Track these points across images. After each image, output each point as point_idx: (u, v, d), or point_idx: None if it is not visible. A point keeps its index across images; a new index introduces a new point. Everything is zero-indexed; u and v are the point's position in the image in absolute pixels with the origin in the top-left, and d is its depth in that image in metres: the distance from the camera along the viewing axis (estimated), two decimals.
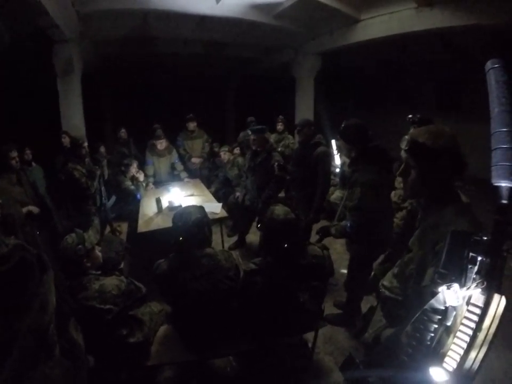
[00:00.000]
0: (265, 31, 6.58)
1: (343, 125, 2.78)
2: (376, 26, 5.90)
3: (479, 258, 0.90)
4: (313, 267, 2.15)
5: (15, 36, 5.25)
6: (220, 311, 2.17)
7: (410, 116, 3.72)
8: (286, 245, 2.07)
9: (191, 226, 2.10)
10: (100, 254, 2.29)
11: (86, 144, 4.26)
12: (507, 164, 0.85)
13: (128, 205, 4.85)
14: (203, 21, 5.87)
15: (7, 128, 6.38)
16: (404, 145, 1.33)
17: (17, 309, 0.95)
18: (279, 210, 2.10)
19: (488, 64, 0.95)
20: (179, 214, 2.19)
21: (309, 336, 2.59)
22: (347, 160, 5.19)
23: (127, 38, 6.35)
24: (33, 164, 4.91)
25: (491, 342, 0.90)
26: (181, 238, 2.12)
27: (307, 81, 8.09)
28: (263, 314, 2.15)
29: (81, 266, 2.09)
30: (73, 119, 5.75)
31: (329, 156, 4.21)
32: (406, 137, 1.33)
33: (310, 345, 2.62)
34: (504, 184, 0.84)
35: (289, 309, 2.14)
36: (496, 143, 0.88)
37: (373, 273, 3.23)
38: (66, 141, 5.20)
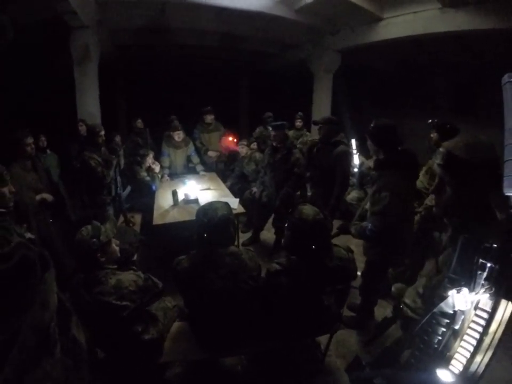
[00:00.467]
0: (286, 26, 6.52)
1: (372, 125, 2.69)
2: (399, 25, 5.80)
3: (489, 264, 0.92)
4: (339, 270, 2.09)
5: (32, 22, 5.22)
6: (240, 311, 2.10)
7: (430, 120, 3.65)
8: (313, 246, 2.00)
9: (217, 223, 2.03)
10: (117, 248, 2.19)
11: (103, 132, 4.20)
12: None
13: (143, 196, 4.79)
14: (222, 13, 5.79)
15: (23, 114, 6.35)
16: (438, 159, 1.24)
17: (18, 307, 0.93)
18: (308, 210, 2.03)
19: (505, 78, 0.95)
20: (204, 209, 2.12)
21: (321, 337, 2.53)
22: (365, 161, 5.18)
23: (144, 27, 6.31)
24: (48, 151, 4.88)
25: (496, 346, 0.92)
26: (205, 235, 2.05)
27: (325, 78, 7.99)
28: (286, 316, 2.09)
29: (95, 260, 2.00)
30: (89, 107, 5.73)
31: (350, 156, 4.15)
32: (441, 149, 1.23)
33: (322, 347, 2.56)
34: None
35: (313, 312, 2.07)
36: (509, 155, 0.90)
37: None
38: (83, 129, 5.17)
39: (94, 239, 1.98)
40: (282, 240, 2.27)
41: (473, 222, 1.21)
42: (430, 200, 3.17)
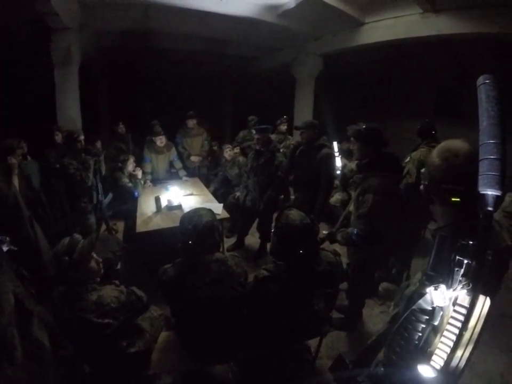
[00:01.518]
0: (268, 30, 6.51)
1: (364, 127, 2.74)
2: (380, 30, 5.86)
3: (465, 261, 0.94)
4: (328, 274, 2.08)
5: (12, 22, 5.10)
6: (228, 318, 2.08)
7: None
8: (301, 251, 1.99)
9: (202, 230, 2.01)
10: (96, 266, 2.00)
11: (81, 137, 4.13)
12: (492, 173, 0.89)
13: (125, 203, 4.71)
14: (206, 17, 5.75)
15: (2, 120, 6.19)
16: (425, 179, 1.29)
17: None
18: (295, 215, 2.01)
19: (480, 80, 1.00)
20: (189, 216, 2.09)
21: (311, 340, 2.53)
22: (348, 163, 5.22)
23: (127, 30, 6.23)
24: (28, 157, 4.75)
25: (476, 341, 0.95)
26: (190, 242, 2.02)
27: (307, 82, 8.01)
28: (275, 321, 2.06)
29: (68, 277, 1.87)
30: (69, 111, 5.59)
31: (333, 159, 4.17)
32: (423, 170, 1.30)
33: (312, 349, 2.55)
34: (490, 192, 0.89)
35: (302, 317, 2.06)
36: (483, 154, 0.93)
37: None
38: (58, 138, 5.04)
39: (66, 257, 1.84)
40: (268, 245, 2.25)
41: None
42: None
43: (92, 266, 1.96)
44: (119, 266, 3.28)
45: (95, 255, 2.02)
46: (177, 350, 2.17)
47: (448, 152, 1.20)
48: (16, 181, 3.46)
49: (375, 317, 3.36)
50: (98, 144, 5.26)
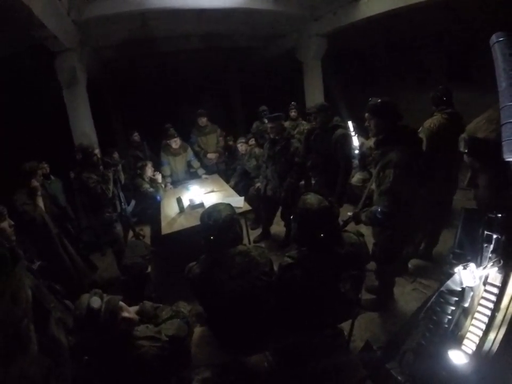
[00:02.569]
0: (267, 18, 6.43)
1: (379, 101, 2.66)
2: (378, 1, 5.69)
3: (494, 236, 0.86)
4: (352, 255, 2.05)
5: (17, 51, 5.22)
6: (257, 308, 2.09)
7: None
8: (322, 235, 1.97)
9: (222, 224, 2.02)
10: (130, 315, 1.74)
11: (97, 151, 4.23)
12: None
13: (149, 208, 4.81)
14: (202, 14, 5.74)
15: (22, 144, 6.38)
16: (462, 147, 1.06)
17: None
18: (312, 199, 1.99)
19: (493, 38, 0.88)
20: (208, 212, 2.10)
21: (344, 324, 2.52)
22: (365, 141, 5.13)
23: (127, 41, 6.27)
24: (52, 177, 4.91)
25: (510, 323, 0.88)
26: (212, 237, 2.04)
27: (314, 64, 7.87)
28: (303, 307, 2.06)
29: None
30: (83, 127, 5.70)
31: (349, 138, 4.10)
32: (463, 136, 1.05)
33: (345, 333, 2.54)
34: None
35: (330, 301, 2.04)
36: (505, 117, 0.82)
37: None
38: (79, 155, 5.19)
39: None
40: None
41: None
42: None
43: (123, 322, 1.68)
44: (149, 270, 3.35)
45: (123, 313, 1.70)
46: (211, 344, 2.21)
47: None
48: (41, 202, 3.59)
49: (407, 295, 3.30)
50: (116, 155, 5.37)
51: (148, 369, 1.62)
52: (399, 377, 1.18)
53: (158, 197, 4.81)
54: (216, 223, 2.02)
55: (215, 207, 2.15)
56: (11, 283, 1.00)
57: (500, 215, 0.87)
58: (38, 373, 1.03)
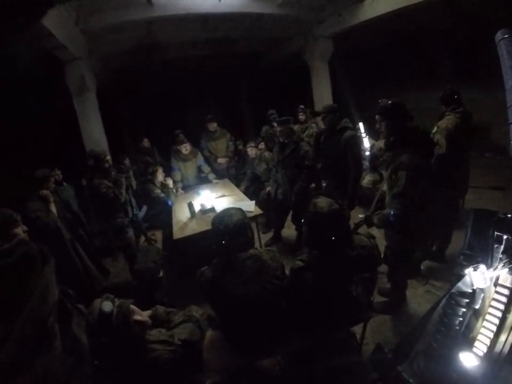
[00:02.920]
0: (272, 22, 6.48)
1: (389, 103, 2.65)
2: (383, 1, 5.68)
3: (505, 236, 0.85)
4: (363, 258, 2.04)
5: (27, 62, 5.32)
6: (269, 312, 2.08)
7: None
8: (333, 238, 1.97)
9: (233, 228, 2.03)
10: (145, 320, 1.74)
11: (108, 157, 4.28)
12: None
13: (160, 213, 4.85)
14: (208, 20, 5.82)
15: (35, 151, 6.48)
16: None
17: (17, 299, 0.97)
18: (322, 202, 2.00)
19: (499, 35, 0.89)
20: (219, 217, 2.12)
21: (356, 327, 2.50)
22: (375, 143, 5.10)
23: (135, 48, 6.38)
24: (64, 183, 4.98)
25: None
26: (223, 242, 2.05)
27: (321, 66, 7.88)
28: (315, 311, 2.06)
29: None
30: (94, 135, 5.79)
31: (359, 140, 4.08)
32: None
33: (358, 336, 2.53)
34: None
35: (342, 304, 2.04)
36: None
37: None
38: (91, 161, 5.26)
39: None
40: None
41: None
42: None
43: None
44: (161, 274, 3.39)
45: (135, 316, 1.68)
46: (223, 348, 2.21)
47: None
48: (53, 208, 3.65)
49: (419, 297, 3.27)
50: (127, 161, 5.43)
51: (160, 373, 1.64)
52: (410, 380, 1.17)
53: (169, 202, 4.85)
54: (227, 227, 2.03)
55: (226, 211, 2.16)
56: (40, 282, 1.03)
57: (510, 215, 0.87)
58: (61, 370, 1.06)
